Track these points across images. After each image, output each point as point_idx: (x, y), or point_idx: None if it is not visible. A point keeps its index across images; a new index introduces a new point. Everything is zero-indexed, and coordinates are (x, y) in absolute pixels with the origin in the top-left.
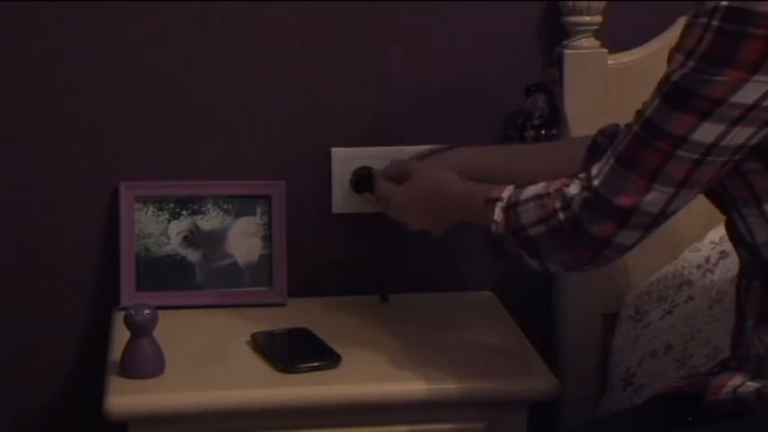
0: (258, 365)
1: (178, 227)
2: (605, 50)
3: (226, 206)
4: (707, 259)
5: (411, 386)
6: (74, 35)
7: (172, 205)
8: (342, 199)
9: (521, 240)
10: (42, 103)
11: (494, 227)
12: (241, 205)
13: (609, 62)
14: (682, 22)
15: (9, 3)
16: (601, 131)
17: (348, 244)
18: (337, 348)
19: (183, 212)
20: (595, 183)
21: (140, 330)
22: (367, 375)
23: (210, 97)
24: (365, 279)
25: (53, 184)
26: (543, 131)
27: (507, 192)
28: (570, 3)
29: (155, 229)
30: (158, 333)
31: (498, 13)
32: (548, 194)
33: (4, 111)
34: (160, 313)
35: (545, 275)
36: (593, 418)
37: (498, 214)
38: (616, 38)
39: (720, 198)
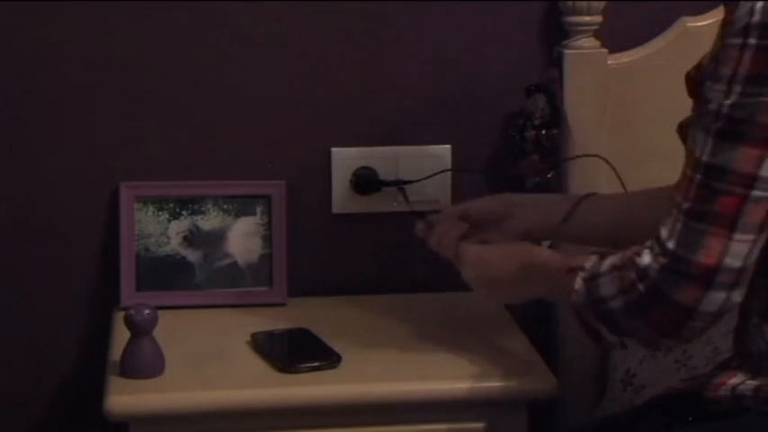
0: (258, 365)
1: (178, 227)
2: (605, 50)
3: (226, 206)
4: None
5: (411, 386)
6: (74, 35)
7: (172, 205)
8: (342, 199)
9: (600, 313)
10: (42, 103)
11: (574, 296)
12: (241, 205)
13: (609, 62)
14: (682, 21)
15: (9, 3)
16: None
17: (348, 244)
18: (337, 348)
19: (183, 212)
20: (670, 245)
21: (140, 330)
22: (367, 375)
23: (211, 97)
24: (365, 279)
25: (53, 184)
26: (544, 131)
27: (590, 262)
28: (570, 3)
29: (155, 229)
30: (158, 333)
31: (498, 13)
32: (624, 265)
33: (4, 111)
34: (160, 313)
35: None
36: (592, 418)
37: (579, 284)
38: (616, 38)
39: None
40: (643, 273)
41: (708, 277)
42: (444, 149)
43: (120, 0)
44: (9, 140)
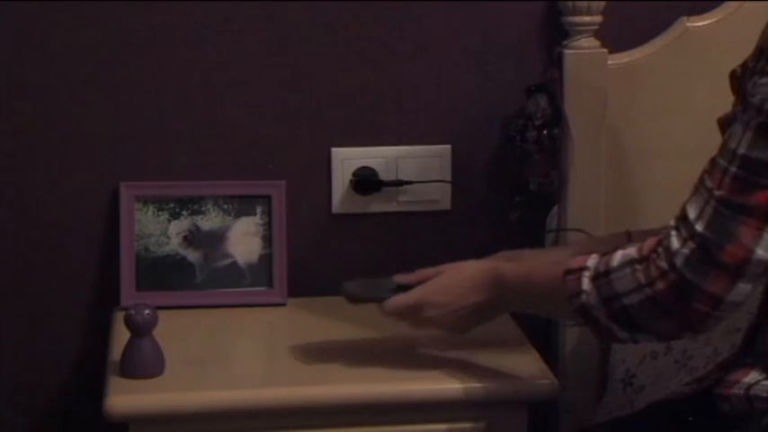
0: (258, 365)
1: (178, 227)
2: (605, 50)
3: (226, 206)
4: None
5: (411, 386)
6: (74, 35)
7: (172, 205)
8: (342, 199)
9: (614, 311)
10: (43, 103)
11: (583, 297)
12: (241, 205)
13: (609, 62)
14: (682, 21)
15: (9, 3)
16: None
17: (348, 244)
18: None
19: (183, 212)
20: (699, 228)
21: (140, 330)
22: (367, 375)
23: (211, 97)
24: None
25: (53, 183)
26: (545, 132)
27: (593, 260)
28: (570, 3)
29: (155, 229)
30: (158, 333)
31: (498, 14)
32: (645, 258)
33: (4, 111)
34: (160, 313)
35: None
36: (593, 422)
37: (587, 284)
38: (616, 38)
39: None
40: (671, 263)
41: (739, 268)
42: (444, 149)
43: (121, 0)
44: (9, 140)
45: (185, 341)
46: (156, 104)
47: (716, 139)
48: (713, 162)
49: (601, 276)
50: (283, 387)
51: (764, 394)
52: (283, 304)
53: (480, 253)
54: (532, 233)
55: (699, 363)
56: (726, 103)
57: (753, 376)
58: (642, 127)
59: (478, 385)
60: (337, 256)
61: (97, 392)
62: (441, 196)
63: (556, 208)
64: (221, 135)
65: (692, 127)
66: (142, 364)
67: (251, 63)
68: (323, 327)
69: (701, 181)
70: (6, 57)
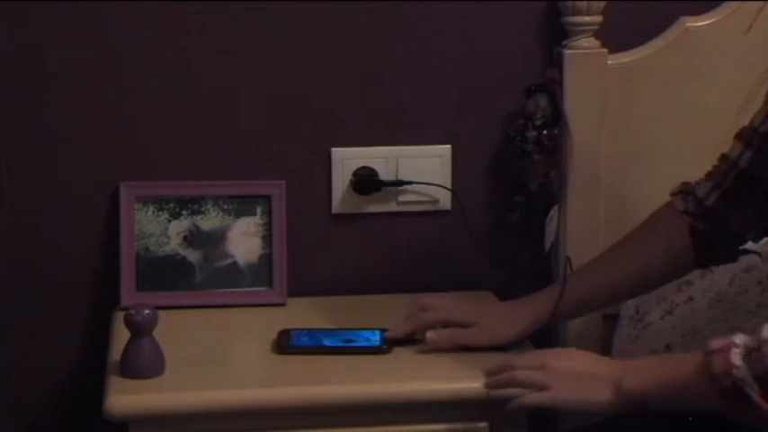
0: (258, 365)
1: (178, 227)
2: (605, 50)
3: (226, 206)
4: None
5: (411, 386)
6: (75, 35)
7: (172, 205)
8: (342, 199)
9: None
10: (43, 103)
11: (735, 373)
12: (241, 205)
13: (609, 62)
14: (682, 21)
15: (9, 3)
16: (675, 202)
17: (348, 244)
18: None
19: (183, 212)
20: None
21: (140, 330)
22: (367, 375)
23: (210, 97)
24: (365, 279)
25: (53, 183)
26: (545, 131)
27: (739, 338)
28: (570, 3)
29: (155, 229)
30: (158, 333)
31: (498, 14)
32: None
33: (4, 110)
34: (160, 313)
35: None
36: (592, 421)
37: (738, 360)
38: (616, 38)
39: None
40: None
41: None
42: (444, 149)
43: (121, 0)
44: (9, 141)
45: (185, 341)
46: (157, 104)
47: (716, 138)
48: None
49: (753, 351)
50: (283, 387)
51: None
52: (283, 304)
53: (480, 253)
54: (532, 233)
55: None
56: (725, 103)
57: None
58: (642, 127)
59: (478, 385)
60: (337, 256)
61: (97, 392)
62: (441, 196)
63: (556, 208)
64: (221, 135)
65: (692, 127)
66: (142, 364)
67: (251, 63)
68: (323, 327)
69: None
70: (6, 57)
